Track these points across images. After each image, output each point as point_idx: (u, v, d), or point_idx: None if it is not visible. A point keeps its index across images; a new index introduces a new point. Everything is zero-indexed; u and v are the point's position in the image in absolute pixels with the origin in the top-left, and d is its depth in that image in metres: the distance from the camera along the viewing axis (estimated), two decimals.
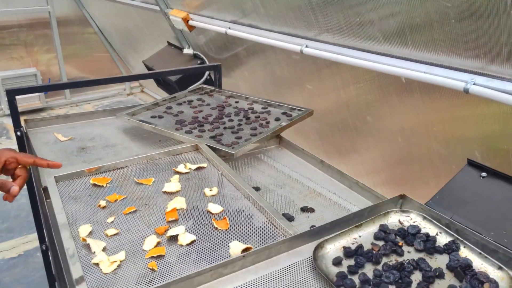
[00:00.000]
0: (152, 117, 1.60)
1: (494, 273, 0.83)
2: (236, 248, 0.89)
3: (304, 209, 1.13)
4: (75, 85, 2.56)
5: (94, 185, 1.13)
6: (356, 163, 2.13)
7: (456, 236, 0.91)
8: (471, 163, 1.34)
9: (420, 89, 1.52)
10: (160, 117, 1.60)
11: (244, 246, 0.89)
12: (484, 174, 1.30)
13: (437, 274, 0.83)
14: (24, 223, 2.62)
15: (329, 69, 1.88)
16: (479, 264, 0.85)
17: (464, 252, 0.88)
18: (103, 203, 1.05)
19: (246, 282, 0.82)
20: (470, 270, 0.83)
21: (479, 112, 1.43)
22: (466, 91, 1.24)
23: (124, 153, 1.40)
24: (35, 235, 2.53)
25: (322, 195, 1.20)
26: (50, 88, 2.78)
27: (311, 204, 1.15)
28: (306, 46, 1.75)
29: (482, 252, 0.86)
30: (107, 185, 1.14)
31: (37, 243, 2.43)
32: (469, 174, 1.34)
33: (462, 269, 0.83)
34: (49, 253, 1.79)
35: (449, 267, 0.85)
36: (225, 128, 1.52)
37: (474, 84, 1.24)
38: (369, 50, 1.53)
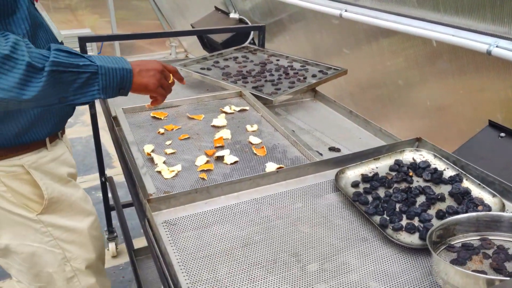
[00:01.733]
0: (201, 68, 1.79)
1: (489, 199, 0.97)
2: (271, 167, 1.08)
3: (332, 149, 1.29)
4: (136, 36, 2.76)
5: (154, 117, 1.35)
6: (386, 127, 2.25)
7: (461, 170, 1.06)
8: (492, 124, 1.45)
9: (448, 52, 1.63)
10: (209, 69, 1.79)
11: (278, 166, 1.08)
12: (503, 134, 1.40)
13: (439, 197, 0.99)
14: (80, 166, 2.92)
15: (366, 34, 2.00)
16: (477, 192, 1.00)
17: (466, 184, 1.03)
18: (162, 130, 1.26)
19: (278, 193, 1.01)
20: (468, 196, 0.98)
21: (503, 76, 1.53)
22: (489, 53, 1.35)
23: (177, 97, 1.60)
24: (90, 176, 2.84)
25: (349, 139, 1.35)
26: (115, 38, 3.03)
27: (338, 145, 1.32)
28: (346, 11, 1.88)
29: (481, 183, 1.00)
30: (164, 118, 1.35)
31: (92, 183, 2.73)
32: (489, 134, 1.45)
33: (461, 195, 0.98)
34: (107, 184, 2.06)
35: (450, 194, 1.00)
36: (266, 81, 1.69)
37: (497, 46, 1.34)
38: (404, 14, 1.65)
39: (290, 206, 0.97)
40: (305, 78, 1.69)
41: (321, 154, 1.25)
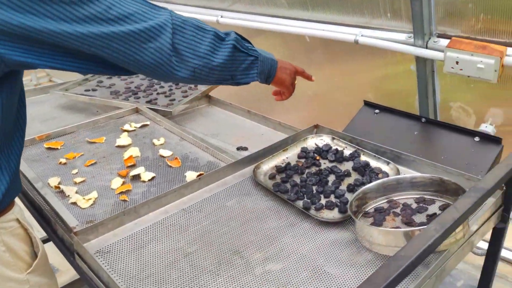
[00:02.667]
0: (86, 90, 1.70)
1: (385, 167, 1.12)
2: (191, 175, 1.09)
3: (240, 148, 1.35)
4: None
5: (49, 148, 1.25)
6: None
7: (357, 147, 1.20)
8: (367, 103, 1.65)
9: (321, 45, 1.81)
10: (94, 90, 1.71)
11: (197, 173, 1.10)
12: (377, 110, 1.60)
13: (345, 173, 1.11)
14: None
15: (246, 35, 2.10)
16: (375, 163, 1.14)
17: (364, 157, 1.17)
18: (63, 160, 1.18)
19: (204, 198, 1.03)
20: (369, 167, 1.12)
21: (369, 61, 1.75)
22: (356, 42, 1.54)
23: (65, 124, 1.50)
24: None
25: (252, 137, 1.42)
26: None
27: (244, 144, 1.38)
28: (221, 16, 1.95)
29: (376, 155, 1.15)
30: (61, 147, 1.26)
31: None
32: (366, 112, 1.65)
33: (363, 168, 1.12)
34: None
35: (354, 168, 1.13)
36: (158, 94, 1.68)
37: (362, 36, 1.54)
38: (277, 15, 1.78)
39: (219, 208, 1.00)
40: (196, 86, 1.72)
41: (231, 155, 1.30)
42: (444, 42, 1.35)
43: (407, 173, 1.11)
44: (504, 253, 2.06)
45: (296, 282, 0.79)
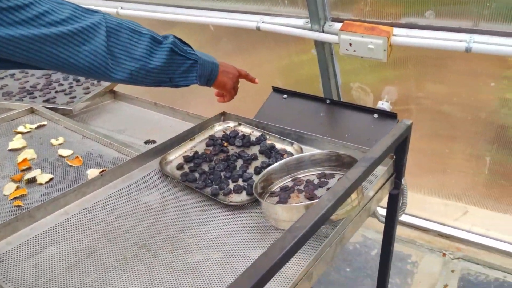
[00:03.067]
0: None
1: (290, 148, 1.16)
2: (93, 173, 1.04)
3: (147, 142, 1.32)
4: None
5: None
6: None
7: (263, 131, 1.22)
8: (275, 89, 1.69)
9: (227, 34, 1.82)
10: None
11: (100, 170, 1.05)
12: (285, 96, 1.65)
13: (252, 157, 1.13)
14: None
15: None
16: (280, 145, 1.17)
17: (270, 140, 1.20)
18: None
19: (108, 195, 0.99)
20: (275, 150, 1.15)
21: (274, 49, 1.79)
22: (258, 28, 1.57)
23: None
24: None
25: (161, 130, 1.39)
26: None
27: (152, 137, 1.34)
28: (121, 8, 1.88)
29: (281, 137, 1.18)
30: None
31: None
32: (275, 98, 1.69)
33: (269, 150, 1.14)
34: None
35: (260, 152, 1.15)
36: (56, 92, 1.58)
37: (263, 22, 1.57)
38: (180, 5, 1.75)
39: (124, 204, 0.97)
40: (98, 81, 1.64)
41: (138, 150, 1.27)
42: (338, 25, 1.42)
43: (310, 151, 1.15)
44: (412, 220, 2.24)
45: (205, 267, 0.79)
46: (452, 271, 1.99)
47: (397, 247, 2.16)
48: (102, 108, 1.55)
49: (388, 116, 1.44)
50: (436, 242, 2.16)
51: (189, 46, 1.01)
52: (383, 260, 1.17)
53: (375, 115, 1.45)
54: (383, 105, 1.59)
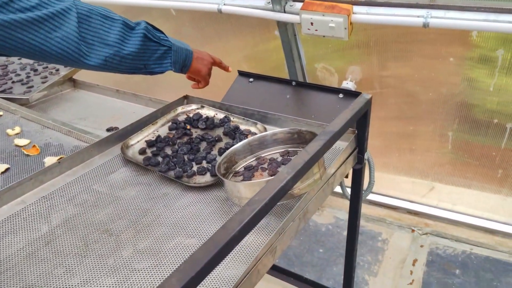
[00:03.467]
0: None
1: (254, 128, 1.15)
2: (51, 160, 1.01)
3: (110, 129, 1.28)
4: None
5: None
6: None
7: (227, 112, 1.21)
8: (241, 73, 1.68)
9: (189, 20, 1.79)
10: None
11: (58, 157, 1.02)
12: (251, 79, 1.64)
13: (216, 139, 1.12)
14: None
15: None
16: (244, 126, 1.17)
17: (234, 121, 1.19)
18: None
19: (67, 183, 0.96)
20: (239, 130, 1.14)
21: (242, 38, 1.78)
22: (219, 11, 1.55)
23: None
24: None
25: (124, 116, 1.36)
26: None
27: (115, 125, 1.31)
28: None
29: (245, 118, 1.18)
30: None
31: None
32: (241, 82, 1.68)
33: (233, 131, 1.13)
34: None
35: (224, 133, 1.14)
36: (13, 82, 1.52)
37: (224, 4, 1.55)
38: None
39: (85, 191, 0.94)
40: (57, 70, 1.59)
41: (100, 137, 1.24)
42: (299, 5, 1.42)
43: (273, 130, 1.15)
44: (381, 198, 2.29)
45: (169, 248, 0.78)
46: (421, 246, 2.05)
47: (368, 226, 2.20)
48: (61, 97, 1.51)
49: (353, 95, 1.45)
50: (405, 219, 2.21)
51: (162, 32, 1.00)
52: (350, 236, 1.19)
53: (340, 95, 1.46)
54: (348, 84, 1.60)
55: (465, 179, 2.03)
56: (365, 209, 2.30)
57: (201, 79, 1.14)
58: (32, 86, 1.46)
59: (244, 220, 0.61)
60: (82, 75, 1.58)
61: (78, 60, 0.84)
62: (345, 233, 2.24)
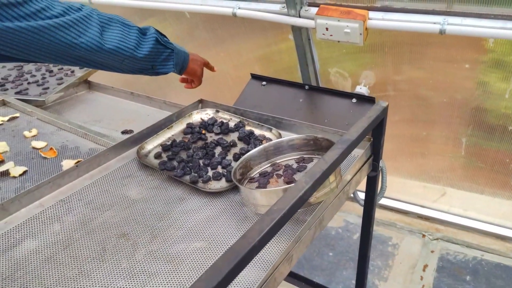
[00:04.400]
0: None
1: (268, 134, 1.15)
2: (68, 164, 1.02)
3: (125, 132, 1.30)
4: None
5: None
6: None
7: (242, 117, 1.21)
8: (254, 76, 1.68)
9: (203, 22, 1.79)
10: None
11: (75, 161, 1.03)
12: (264, 82, 1.64)
13: (231, 144, 1.12)
14: None
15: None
16: (259, 131, 1.17)
17: (248, 127, 1.19)
18: None
19: (84, 186, 0.97)
20: (253, 136, 1.15)
21: (251, 36, 1.78)
22: (234, 14, 1.55)
23: None
24: None
25: (138, 119, 1.37)
26: None
27: (130, 128, 1.32)
28: None
29: (260, 123, 1.18)
30: None
31: None
32: (254, 85, 1.68)
33: (248, 137, 1.14)
34: None
35: (239, 138, 1.15)
36: (29, 83, 1.54)
37: (239, 8, 1.55)
38: None
39: (101, 194, 0.95)
40: (72, 71, 1.61)
41: (115, 140, 1.25)
42: (314, 10, 1.41)
43: (289, 136, 1.15)
44: (392, 203, 2.28)
45: (185, 254, 0.79)
46: (432, 251, 2.04)
47: (378, 230, 2.20)
48: (76, 99, 1.52)
49: (366, 100, 1.44)
50: (416, 224, 2.20)
51: (165, 36, 1.08)
52: (363, 242, 1.19)
53: (354, 100, 1.45)
54: (361, 89, 1.60)
55: (478, 184, 2.01)
56: (375, 213, 2.29)
57: (196, 79, 1.22)
58: (48, 88, 1.48)
59: (264, 230, 0.61)
60: (97, 77, 1.60)
61: (99, 64, 0.96)
62: (355, 236, 2.24)
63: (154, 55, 1.03)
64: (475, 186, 2.02)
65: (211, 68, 1.29)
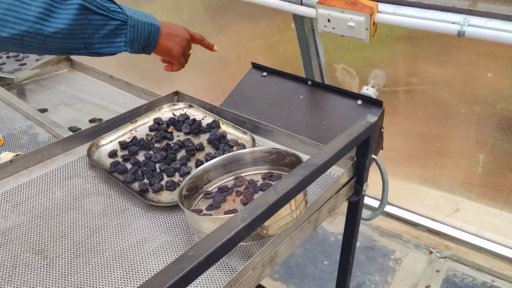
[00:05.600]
0: None
1: (243, 138, 1.01)
2: (6, 156, 0.91)
3: (92, 120, 1.18)
4: None
5: None
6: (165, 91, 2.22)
7: (217, 116, 1.07)
8: (255, 66, 1.53)
9: (205, 9, 1.64)
10: None
11: (14, 154, 0.92)
12: (265, 73, 1.49)
13: (197, 147, 0.98)
14: None
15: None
16: (233, 134, 1.02)
17: (223, 128, 1.05)
18: None
19: (18, 185, 0.86)
20: (224, 140, 1.00)
21: (257, 29, 1.61)
22: None
23: None
24: None
25: (112, 107, 1.25)
26: None
27: (100, 115, 1.20)
28: None
29: (235, 125, 1.03)
30: None
31: None
32: (254, 76, 1.53)
33: (218, 140, 0.99)
34: None
35: (209, 141, 1.01)
36: (8, 57, 1.44)
37: None
38: None
39: (34, 197, 0.83)
40: None
41: (79, 129, 1.13)
42: None
43: (265, 143, 1.00)
44: (400, 212, 2.10)
45: (104, 283, 0.66)
46: (437, 271, 1.86)
47: (381, 241, 2.03)
48: (54, 78, 1.41)
49: (373, 103, 1.27)
50: (424, 238, 2.02)
51: (113, 2, 0.80)
52: (341, 273, 1.04)
53: (359, 101, 1.29)
54: (368, 90, 1.42)
55: (496, 201, 1.81)
56: (381, 221, 2.12)
57: (174, 60, 0.94)
58: (25, 64, 1.37)
59: (165, 284, 0.48)
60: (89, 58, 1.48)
61: None
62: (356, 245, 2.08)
63: (84, 28, 0.74)
64: (494, 203, 1.82)
65: (208, 46, 1.01)
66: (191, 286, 0.63)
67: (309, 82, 1.40)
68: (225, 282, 0.63)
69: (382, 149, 1.45)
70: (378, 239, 2.04)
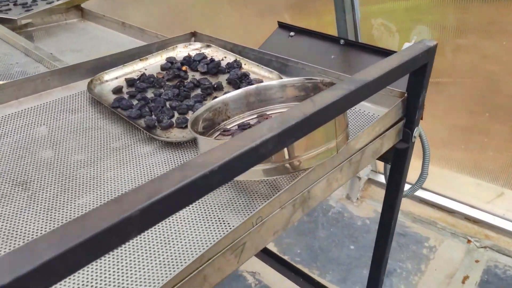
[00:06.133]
0: None
1: (268, 78, 0.86)
2: None
3: None
4: None
5: None
6: None
7: (239, 56, 0.93)
8: (281, 25, 1.38)
9: None
10: None
11: (4, 82, 0.79)
12: (292, 33, 1.34)
13: (215, 86, 0.84)
14: None
15: None
16: (256, 74, 0.88)
17: (245, 68, 0.90)
18: None
19: (6, 115, 0.73)
20: (246, 79, 0.86)
21: None
22: None
23: None
24: None
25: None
26: None
27: None
28: None
29: (259, 64, 0.89)
30: None
31: None
32: (280, 35, 1.38)
33: (239, 80, 0.85)
34: None
35: (228, 80, 0.86)
36: (15, 4, 1.33)
37: None
38: None
39: (21, 129, 0.71)
40: None
41: None
42: None
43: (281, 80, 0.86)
44: (435, 198, 1.92)
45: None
46: (476, 261, 1.68)
47: (414, 227, 1.85)
48: (63, 27, 1.29)
49: None
50: (462, 226, 1.83)
51: None
52: (379, 243, 0.88)
53: None
54: None
55: None
56: (413, 207, 1.95)
57: None
58: (31, 10, 1.26)
59: (159, 194, 0.34)
60: (90, 4, 1.36)
61: None
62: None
63: None
64: None
65: None
66: (201, 210, 0.49)
67: (342, 41, 1.25)
68: (246, 216, 0.49)
69: (421, 119, 1.29)
70: (410, 225, 1.87)
